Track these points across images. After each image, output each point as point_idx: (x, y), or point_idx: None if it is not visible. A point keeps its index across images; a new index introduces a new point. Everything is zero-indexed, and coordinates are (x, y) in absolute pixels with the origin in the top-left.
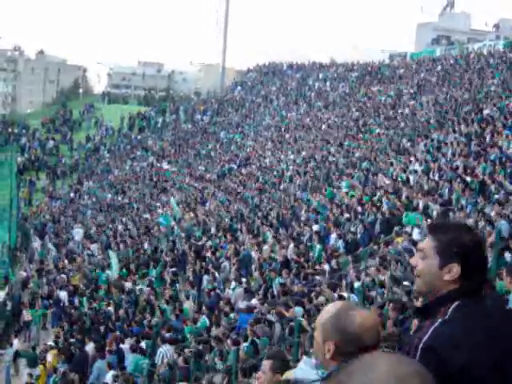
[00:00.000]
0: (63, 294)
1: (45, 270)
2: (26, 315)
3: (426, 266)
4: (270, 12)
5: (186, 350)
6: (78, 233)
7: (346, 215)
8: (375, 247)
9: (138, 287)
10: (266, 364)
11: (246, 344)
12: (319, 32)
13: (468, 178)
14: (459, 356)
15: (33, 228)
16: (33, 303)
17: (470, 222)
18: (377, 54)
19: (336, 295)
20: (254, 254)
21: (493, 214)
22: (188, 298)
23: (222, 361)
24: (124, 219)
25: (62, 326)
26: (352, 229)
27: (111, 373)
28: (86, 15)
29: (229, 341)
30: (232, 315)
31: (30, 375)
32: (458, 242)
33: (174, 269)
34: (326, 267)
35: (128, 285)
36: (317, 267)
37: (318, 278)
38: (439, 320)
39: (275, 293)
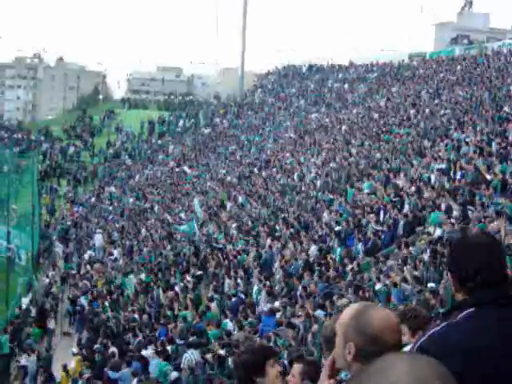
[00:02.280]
0: (85, 300)
1: (70, 275)
2: (50, 322)
3: None
4: (287, 12)
5: (209, 355)
6: (97, 239)
7: (368, 216)
8: (396, 250)
9: (161, 292)
10: (296, 368)
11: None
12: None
13: (489, 177)
14: (450, 361)
15: (55, 234)
16: (56, 310)
17: (495, 224)
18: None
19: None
20: (275, 257)
21: None
22: (212, 302)
23: None
24: (146, 224)
25: (88, 330)
26: (374, 230)
27: (136, 380)
28: (105, 22)
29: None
30: (251, 319)
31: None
32: (450, 249)
33: (200, 272)
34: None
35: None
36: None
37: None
38: (442, 324)
39: (298, 295)
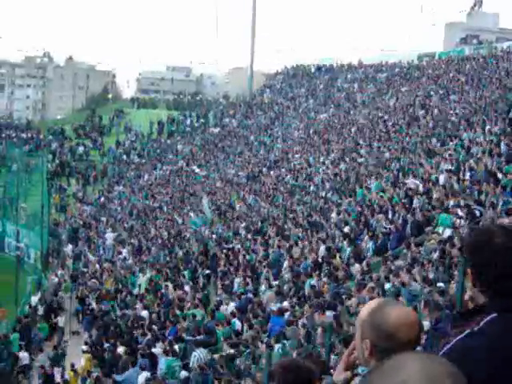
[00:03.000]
0: (93, 299)
1: (80, 274)
2: (60, 321)
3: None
4: (287, 13)
5: (217, 355)
6: (109, 237)
7: (377, 216)
8: (404, 250)
9: (170, 290)
10: None
11: (278, 345)
12: (346, 34)
13: (500, 176)
14: (478, 372)
15: (65, 233)
16: (63, 308)
17: (506, 221)
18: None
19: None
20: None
21: None
22: (221, 302)
23: (255, 364)
24: (155, 223)
25: (97, 328)
26: (383, 230)
27: (144, 374)
28: (114, 22)
29: (260, 343)
30: (261, 318)
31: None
32: (469, 246)
33: (208, 271)
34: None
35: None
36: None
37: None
38: (467, 331)
39: (306, 295)
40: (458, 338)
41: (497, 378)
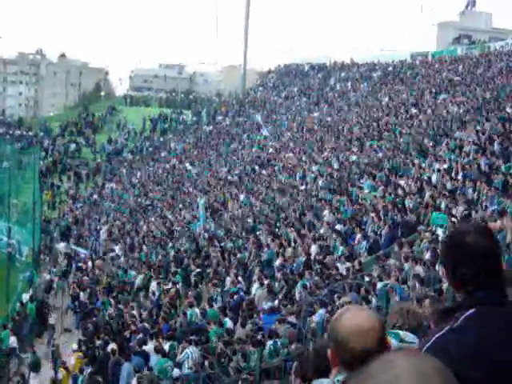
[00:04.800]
0: (85, 296)
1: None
2: (52, 318)
3: None
4: (290, 12)
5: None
6: (103, 232)
7: (370, 215)
8: (396, 249)
9: (161, 289)
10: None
11: (270, 342)
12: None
13: (493, 177)
14: (459, 369)
15: (57, 230)
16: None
17: (497, 222)
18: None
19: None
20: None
21: None
22: (213, 300)
23: (246, 362)
24: (147, 221)
25: (86, 327)
26: (375, 229)
27: (137, 375)
28: (107, 19)
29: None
30: (255, 316)
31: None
32: (443, 245)
33: (198, 269)
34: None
35: (153, 285)
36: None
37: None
38: (446, 327)
39: (297, 294)
40: (437, 335)
41: (476, 375)
